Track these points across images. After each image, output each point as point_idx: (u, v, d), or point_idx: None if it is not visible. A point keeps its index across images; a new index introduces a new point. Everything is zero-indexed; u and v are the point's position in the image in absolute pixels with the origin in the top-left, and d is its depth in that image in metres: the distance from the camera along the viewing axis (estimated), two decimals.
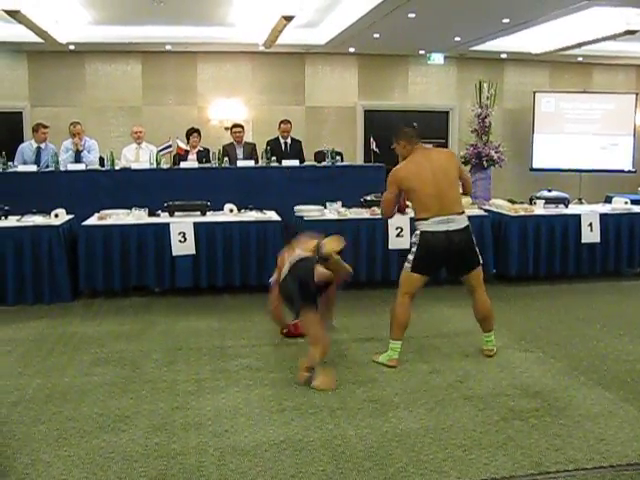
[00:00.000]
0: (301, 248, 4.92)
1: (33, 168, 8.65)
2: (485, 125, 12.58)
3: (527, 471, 3.22)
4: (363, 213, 7.34)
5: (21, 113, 12.32)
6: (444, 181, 4.81)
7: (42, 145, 9.28)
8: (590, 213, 7.65)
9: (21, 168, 8.60)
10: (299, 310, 4.59)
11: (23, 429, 3.70)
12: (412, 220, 4.99)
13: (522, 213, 7.52)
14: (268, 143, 9.81)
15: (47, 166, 8.94)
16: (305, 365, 4.41)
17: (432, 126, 13.12)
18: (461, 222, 4.79)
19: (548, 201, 8.03)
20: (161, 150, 9.34)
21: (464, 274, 4.91)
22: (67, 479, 3.15)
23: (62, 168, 8.63)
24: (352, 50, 12.69)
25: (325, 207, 7.45)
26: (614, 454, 3.38)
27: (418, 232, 4.81)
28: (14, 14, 8.58)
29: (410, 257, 4.81)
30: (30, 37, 10.24)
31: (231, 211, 7.34)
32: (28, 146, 9.37)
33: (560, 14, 9.52)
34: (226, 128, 11.94)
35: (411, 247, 4.88)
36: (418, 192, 4.78)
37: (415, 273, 4.78)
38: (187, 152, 9.74)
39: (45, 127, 9.32)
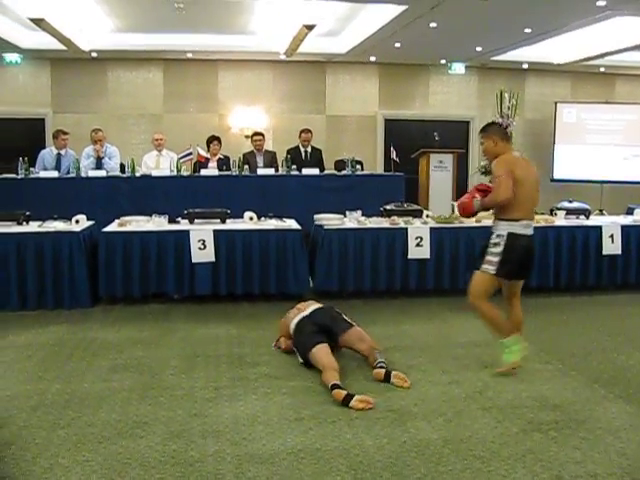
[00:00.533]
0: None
1: (54, 174, 8.74)
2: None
3: None
4: (383, 222, 7.32)
5: (43, 120, 12.47)
6: (535, 185, 4.82)
7: (62, 151, 9.37)
8: (611, 224, 7.59)
9: (42, 174, 8.70)
10: (308, 351, 4.72)
11: (42, 434, 3.72)
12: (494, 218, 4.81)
13: (543, 224, 7.47)
14: (288, 152, 9.84)
15: (68, 172, 9.03)
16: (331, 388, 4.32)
17: (453, 136, 13.09)
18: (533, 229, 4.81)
19: (569, 212, 7.99)
20: (182, 157, 9.39)
21: (520, 280, 4.89)
22: None
23: (83, 174, 8.72)
24: (373, 59, 12.71)
25: (345, 216, 7.44)
26: (636, 469, 3.33)
27: (504, 233, 4.67)
28: (39, 22, 8.71)
29: (492, 259, 4.69)
30: (54, 45, 10.38)
31: (251, 219, 7.35)
32: (49, 152, 9.47)
33: (582, 24, 9.49)
34: (246, 136, 12.00)
35: (491, 247, 4.72)
36: (521, 188, 4.67)
37: (498, 276, 4.72)
38: (207, 160, 9.79)
39: (65, 134, 9.41)
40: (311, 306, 5.15)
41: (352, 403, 4.10)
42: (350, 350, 4.92)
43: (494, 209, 4.85)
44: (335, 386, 4.24)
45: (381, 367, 4.60)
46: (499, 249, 4.68)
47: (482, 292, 4.77)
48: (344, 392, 4.17)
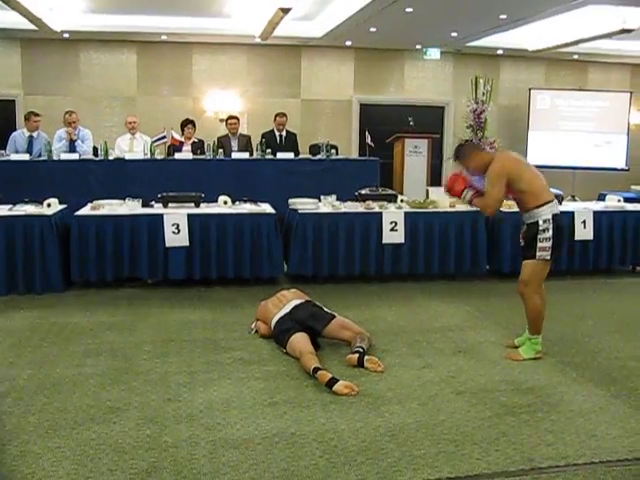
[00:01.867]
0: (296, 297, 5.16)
1: (26, 157, 8.63)
2: (480, 121, 12.58)
3: (519, 466, 3.22)
4: (358, 207, 7.33)
5: (14, 101, 12.27)
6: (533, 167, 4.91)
7: (34, 134, 9.24)
8: (583, 210, 7.66)
9: (14, 157, 8.58)
10: (286, 344, 4.75)
11: (13, 420, 3.68)
12: (525, 210, 4.82)
13: (515, 209, 7.50)
14: (263, 135, 9.81)
15: (40, 155, 8.91)
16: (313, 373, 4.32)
17: (427, 121, 13.10)
18: None
19: None
20: (155, 141, 9.31)
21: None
22: (57, 471, 3.13)
23: (55, 157, 8.62)
24: (349, 43, 12.67)
25: (320, 200, 7.43)
26: (605, 450, 3.39)
27: (548, 217, 4.70)
28: (7, 0, 8.52)
29: (546, 245, 4.70)
30: (24, 24, 10.19)
31: (225, 203, 7.31)
32: (20, 135, 9.33)
33: (557, 11, 9.53)
34: (221, 120, 11.92)
35: (540, 234, 4.71)
36: (532, 178, 4.77)
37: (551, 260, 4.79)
38: (182, 143, 9.72)
39: (37, 115, 9.28)
40: (292, 301, 5.08)
41: (336, 387, 4.09)
42: (335, 340, 4.94)
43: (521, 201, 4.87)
44: (317, 369, 4.24)
45: (356, 352, 4.61)
46: (549, 234, 4.71)
47: (540, 281, 4.85)
48: (329, 374, 4.18)
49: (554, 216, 4.72)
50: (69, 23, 10.96)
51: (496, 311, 6.13)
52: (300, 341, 4.64)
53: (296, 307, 5.01)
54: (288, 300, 5.12)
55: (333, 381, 4.13)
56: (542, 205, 4.73)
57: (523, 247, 4.88)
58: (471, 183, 4.93)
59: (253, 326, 5.34)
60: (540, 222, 4.72)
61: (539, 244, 4.72)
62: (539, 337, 4.87)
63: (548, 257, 4.74)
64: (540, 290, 4.88)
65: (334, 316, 4.95)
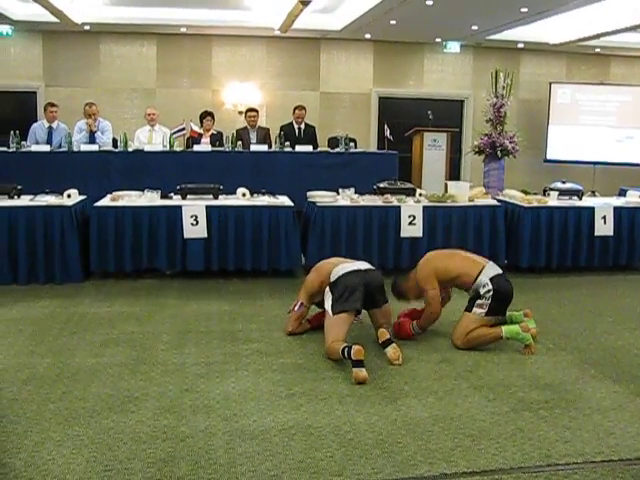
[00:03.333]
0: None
1: (46, 148, 8.68)
2: (500, 115, 12.48)
3: (536, 462, 3.21)
4: (376, 200, 7.31)
5: (35, 93, 12.35)
6: (459, 254, 5.28)
7: (54, 125, 9.31)
8: (604, 206, 7.60)
9: (34, 148, 8.64)
10: (339, 310, 4.62)
11: (33, 407, 3.72)
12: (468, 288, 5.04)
13: (535, 204, 7.48)
14: (282, 128, 9.80)
15: (60, 146, 8.97)
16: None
17: (446, 115, 13.06)
18: None
19: (562, 193, 7.99)
20: (175, 133, 9.35)
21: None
22: (76, 458, 3.16)
23: (75, 149, 8.67)
24: (368, 36, 12.63)
25: (338, 193, 7.43)
26: (624, 448, 3.36)
27: (487, 281, 4.88)
28: None
29: (483, 302, 4.87)
30: (45, 16, 10.26)
31: (243, 195, 7.33)
32: (40, 126, 9.40)
33: (579, 4, 9.44)
34: (240, 112, 11.94)
35: (481, 298, 4.90)
36: (457, 262, 5.11)
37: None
38: (200, 135, 9.74)
39: (53, 106, 9.35)
40: (364, 263, 5.02)
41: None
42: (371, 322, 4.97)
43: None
44: (347, 347, 4.27)
45: (387, 330, 4.70)
46: (489, 295, 4.85)
47: (469, 330, 4.92)
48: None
49: (491, 279, 4.89)
50: (90, 15, 11.02)
51: (514, 306, 6.09)
52: (345, 326, 4.60)
53: (370, 271, 4.90)
54: (353, 261, 5.04)
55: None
56: (477, 277, 4.91)
57: (468, 300, 5.04)
58: (404, 318, 5.21)
59: (294, 307, 5.14)
60: (482, 290, 4.89)
61: (477, 301, 4.90)
62: (507, 328, 4.94)
63: (483, 315, 4.87)
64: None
65: (387, 301, 4.94)
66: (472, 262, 5.05)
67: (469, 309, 4.93)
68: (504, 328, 4.88)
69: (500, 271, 5.01)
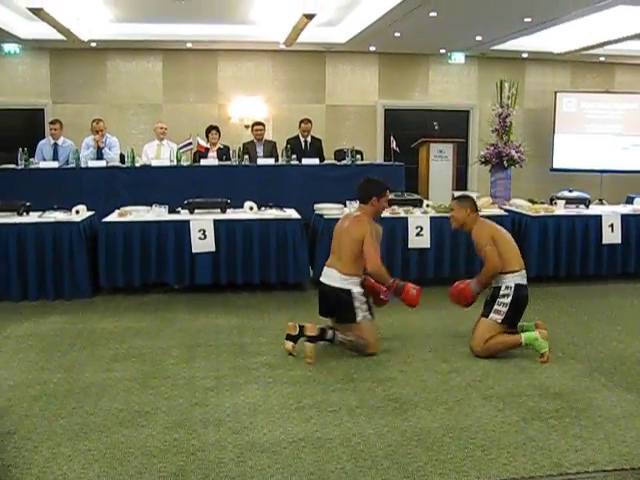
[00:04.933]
0: None
1: (54, 164, 8.74)
2: (506, 125, 12.48)
3: (547, 472, 3.20)
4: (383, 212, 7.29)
5: (43, 110, 12.43)
6: (510, 237, 5.23)
7: (59, 141, 9.36)
8: (611, 214, 7.59)
9: (42, 164, 8.69)
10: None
11: (44, 423, 3.73)
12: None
13: (543, 213, 7.48)
14: (288, 141, 9.83)
15: (67, 162, 9.03)
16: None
17: (452, 125, 13.08)
18: None
19: (569, 201, 7.99)
20: (182, 147, 9.38)
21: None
22: (87, 473, 3.17)
23: (83, 165, 8.71)
24: (373, 49, 12.68)
25: (345, 206, 7.43)
26: (635, 457, 3.35)
27: (511, 284, 4.92)
28: (37, 12, 8.65)
29: (501, 309, 4.90)
30: (53, 35, 10.32)
31: (251, 209, 7.35)
32: (46, 143, 9.47)
33: (583, 13, 9.45)
34: (246, 126, 11.98)
35: (500, 297, 4.93)
36: (507, 243, 5.05)
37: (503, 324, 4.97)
38: (207, 150, 9.77)
39: (53, 123, 9.43)
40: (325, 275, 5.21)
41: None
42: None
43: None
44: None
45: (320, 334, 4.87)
46: (507, 300, 4.90)
47: (488, 337, 4.92)
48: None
49: (517, 285, 4.92)
50: (96, 33, 11.09)
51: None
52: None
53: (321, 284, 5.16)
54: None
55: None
56: (508, 273, 4.93)
57: (484, 304, 5.06)
58: (462, 284, 5.16)
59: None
60: (502, 287, 4.92)
61: (495, 306, 4.91)
62: (526, 335, 4.96)
63: (499, 321, 4.88)
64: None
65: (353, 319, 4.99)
66: (518, 255, 5.07)
67: (486, 314, 4.94)
68: (523, 335, 4.91)
69: (525, 282, 5.02)
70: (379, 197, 5.11)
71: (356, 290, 4.94)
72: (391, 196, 7.56)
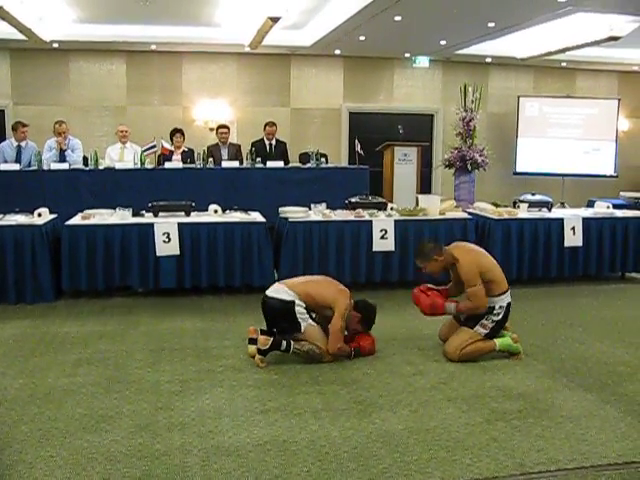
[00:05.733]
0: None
1: (16, 167, 8.60)
2: (469, 128, 12.63)
3: (510, 472, 3.24)
4: (348, 215, 7.34)
5: (3, 111, 12.27)
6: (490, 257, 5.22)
7: (22, 144, 9.22)
8: (573, 217, 7.71)
9: (3, 167, 8.56)
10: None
11: (5, 430, 3.67)
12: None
13: (506, 216, 7.57)
14: (253, 144, 9.82)
15: (29, 165, 8.90)
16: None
17: (417, 129, 13.18)
18: None
19: (531, 204, 8.10)
20: (145, 150, 9.31)
21: None
22: None
23: (45, 167, 8.60)
24: (338, 52, 12.73)
25: (310, 209, 7.44)
26: (595, 454, 3.41)
27: (504, 304, 4.98)
28: None
29: (488, 324, 4.95)
30: (13, 34, 10.19)
31: (215, 212, 7.32)
32: (8, 145, 9.31)
33: (545, 19, 9.61)
34: (211, 129, 11.95)
35: (489, 315, 4.96)
36: (494, 267, 5.05)
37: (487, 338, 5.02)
38: (172, 152, 9.72)
39: (24, 126, 9.26)
40: (272, 289, 5.16)
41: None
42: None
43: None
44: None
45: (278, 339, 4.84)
46: (498, 318, 4.97)
47: (465, 345, 4.94)
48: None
49: (508, 304, 5.02)
50: (59, 33, 10.98)
51: None
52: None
53: (267, 297, 5.09)
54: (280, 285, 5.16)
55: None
56: (503, 293, 5.00)
57: (465, 318, 5.06)
58: (437, 297, 5.05)
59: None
60: (496, 307, 4.96)
61: (483, 321, 4.95)
62: (500, 340, 5.03)
63: (483, 335, 4.94)
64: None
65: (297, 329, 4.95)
66: (503, 275, 5.09)
67: (470, 325, 4.97)
68: (497, 341, 4.97)
69: (510, 300, 5.09)
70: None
71: (298, 303, 4.86)
72: (355, 199, 7.64)
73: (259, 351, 4.76)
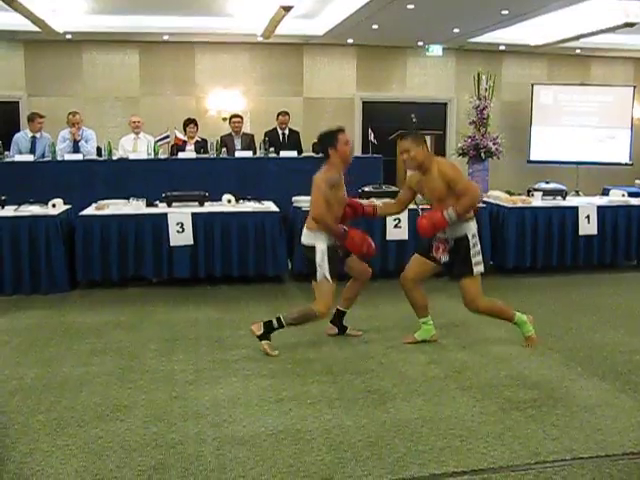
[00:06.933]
0: None
1: (30, 158, 8.64)
2: (483, 117, 12.56)
3: (524, 461, 3.23)
4: None
5: (18, 103, 12.29)
6: None
7: (37, 135, 9.24)
8: (587, 205, 7.66)
9: (18, 158, 8.59)
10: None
11: (21, 419, 3.70)
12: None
13: (520, 205, 7.53)
14: (266, 134, 9.81)
15: (43, 155, 8.93)
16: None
17: (430, 118, 13.10)
18: None
19: (546, 193, 8.05)
20: (159, 140, 9.33)
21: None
22: (65, 468, 3.15)
23: (59, 158, 8.63)
24: (350, 41, 12.66)
25: None
26: (610, 444, 3.39)
27: (475, 232, 4.81)
28: (10, 2, 8.55)
29: (479, 259, 4.81)
30: (27, 26, 10.22)
31: (229, 202, 7.33)
32: (23, 136, 9.34)
33: (559, 6, 9.51)
34: (224, 119, 11.92)
35: (472, 248, 4.77)
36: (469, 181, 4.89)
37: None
38: (185, 142, 9.72)
39: (41, 117, 9.28)
40: None
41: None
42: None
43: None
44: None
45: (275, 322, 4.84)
46: (478, 247, 4.82)
47: (480, 293, 4.87)
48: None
49: (477, 230, 4.89)
50: (71, 24, 10.99)
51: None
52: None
53: None
54: None
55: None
56: (470, 219, 4.80)
57: (451, 264, 4.84)
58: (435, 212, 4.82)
59: None
60: (469, 236, 4.77)
61: (473, 259, 4.77)
62: (518, 315, 4.97)
63: (483, 269, 4.84)
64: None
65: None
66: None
67: (468, 272, 4.76)
68: (517, 313, 4.94)
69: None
70: (334, 146, 5.00)
71: (320, 246, 4.82)
72: (369, 188, 7.61)
73: (259, 338, 4.79)
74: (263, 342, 4.78)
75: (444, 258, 4.84)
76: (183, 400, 3.97)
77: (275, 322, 4.78)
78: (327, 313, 4.89)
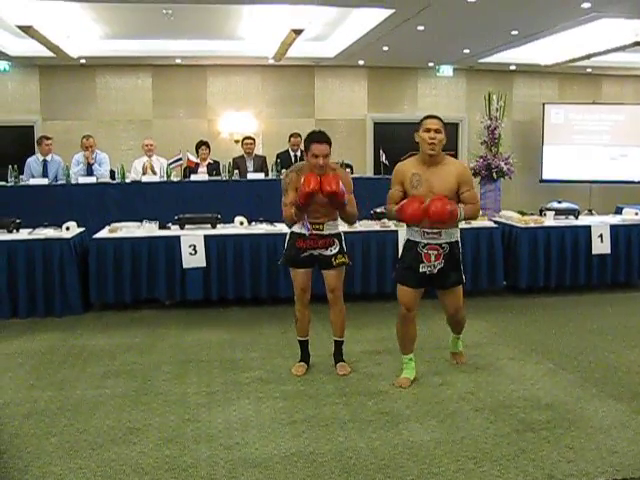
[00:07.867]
0: None
1: (44, 181, 8.72)
2: (494, 137, 12.56)
3: None
4: (373, 225, 7.34)
5: (32, 127, 12.41)
6: None
7: (48, 157, 9.33)
8: (600, 224, 7.63)
9: (32, 181, 8.68)
10: None
11: (34, 442, 3.71)
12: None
13: (532, 224, 7.51)
14: (278, 156, 9.85)
15: (56, 179, 9.02)
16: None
17: None
18: None
19: (558, 212, 8.02)
20: (172, 163, 9.38)
21: None
22: None
23: (73, 181, 8.70)
24: (361, 63, 12.74)
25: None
26: (627, 467, 3.35)
27: (458, 239, 4.68)
28: (26, 29, 8.68)
29: (462, 267, 4.69)
30: (42, 52, 10.35)
31: (241, 224, 7.36)
32: (35, 160, 9.43)
33: (569, 26, 9.53)
34: (236, 141, 12.01)
35: (460, 257, 4.66)
36: None
37: None
38: (197, 165, 9.78)
39: (48, 139, 9.38)
40: None
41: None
42: None
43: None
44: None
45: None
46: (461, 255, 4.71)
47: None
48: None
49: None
50: (85, 49, 11.12)
51: (514, 327, 6.11)
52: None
53: None
54: None
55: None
56: (456, 226, 4.65)
57: (442, 272, 4.56)
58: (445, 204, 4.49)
59: None
60: (459, 243, 4.66)
61: (461, 266, 4.67)
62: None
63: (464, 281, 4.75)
64: None
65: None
66: None
67: (459, 281, 4.65)
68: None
69: None
70: (306, 152, 4.99)
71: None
72: (381, 209, 7.60)
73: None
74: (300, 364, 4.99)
75: (438, 265, 4.52)
76: (196, 422, 3.97)
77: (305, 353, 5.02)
78: (297, 303, 5.08)
